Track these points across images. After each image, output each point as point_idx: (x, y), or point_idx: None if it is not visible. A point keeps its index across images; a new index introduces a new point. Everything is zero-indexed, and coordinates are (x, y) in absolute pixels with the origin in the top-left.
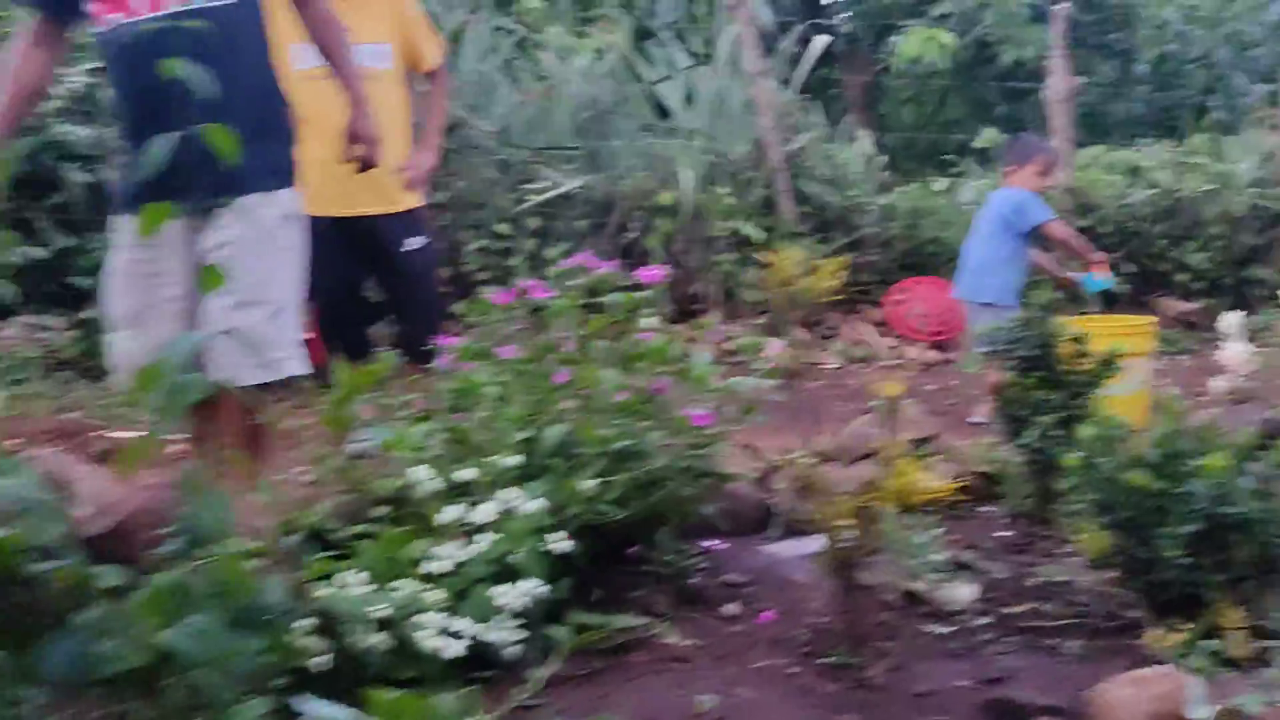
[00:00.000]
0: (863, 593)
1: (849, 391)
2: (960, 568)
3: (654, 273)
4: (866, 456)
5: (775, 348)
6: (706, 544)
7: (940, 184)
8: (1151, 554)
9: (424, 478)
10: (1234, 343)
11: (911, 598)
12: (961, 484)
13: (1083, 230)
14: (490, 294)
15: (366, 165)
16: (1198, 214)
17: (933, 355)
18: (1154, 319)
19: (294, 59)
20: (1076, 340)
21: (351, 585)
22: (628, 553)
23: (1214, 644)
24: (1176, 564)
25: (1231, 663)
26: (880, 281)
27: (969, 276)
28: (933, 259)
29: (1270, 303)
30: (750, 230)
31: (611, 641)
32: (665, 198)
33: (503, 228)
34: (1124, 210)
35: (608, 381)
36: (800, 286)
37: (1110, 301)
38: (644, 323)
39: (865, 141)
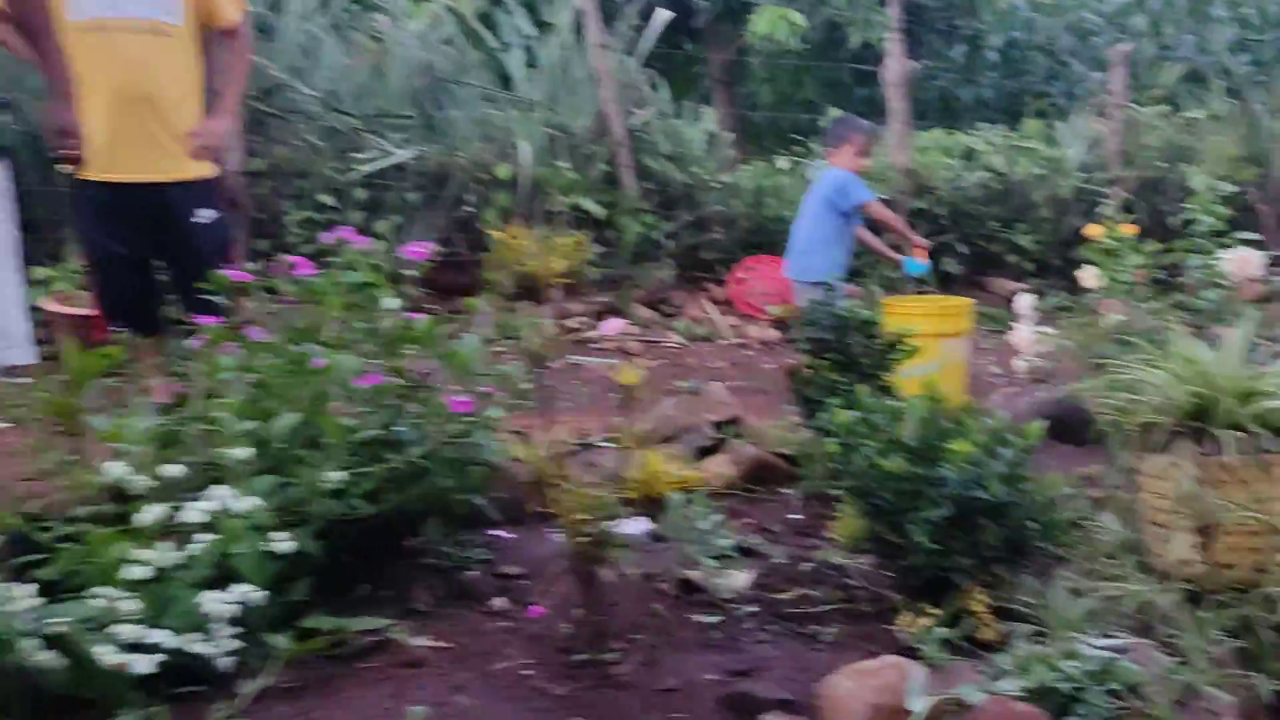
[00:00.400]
0: (604, 588)
1: (685, 370)
2: (745, 553)
3: (418, 250)
4: (671, 439)
5: (613, 327)
6: (492, 534)
7: (785, 163)
8: (904, 539)
9: (123, 474)
10: (1024, 324)
11: (687, 586)
12: (704, 475)
13: (918, 212)
14: (230, 270)
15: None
16: (1028, 197)
17: (774, 334)
18: (971, 300)
19: (68, 8)
20: (868, 323)
21: (19, 598)
22: (407, 546)
23: (964, 628)
24: (926, 549)
25: (985, 646)
26: (724, 260)
27: (796, 256)
28: (777, 238)
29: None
30: (591, 206)
31: (352, 645)
32: (503, 170)
33: (327, 199)
34: (959, 193)
35: (348, 366)
36: (532, 267)
37: (923, 283)
38: (389, 303)
39: (710, 118)
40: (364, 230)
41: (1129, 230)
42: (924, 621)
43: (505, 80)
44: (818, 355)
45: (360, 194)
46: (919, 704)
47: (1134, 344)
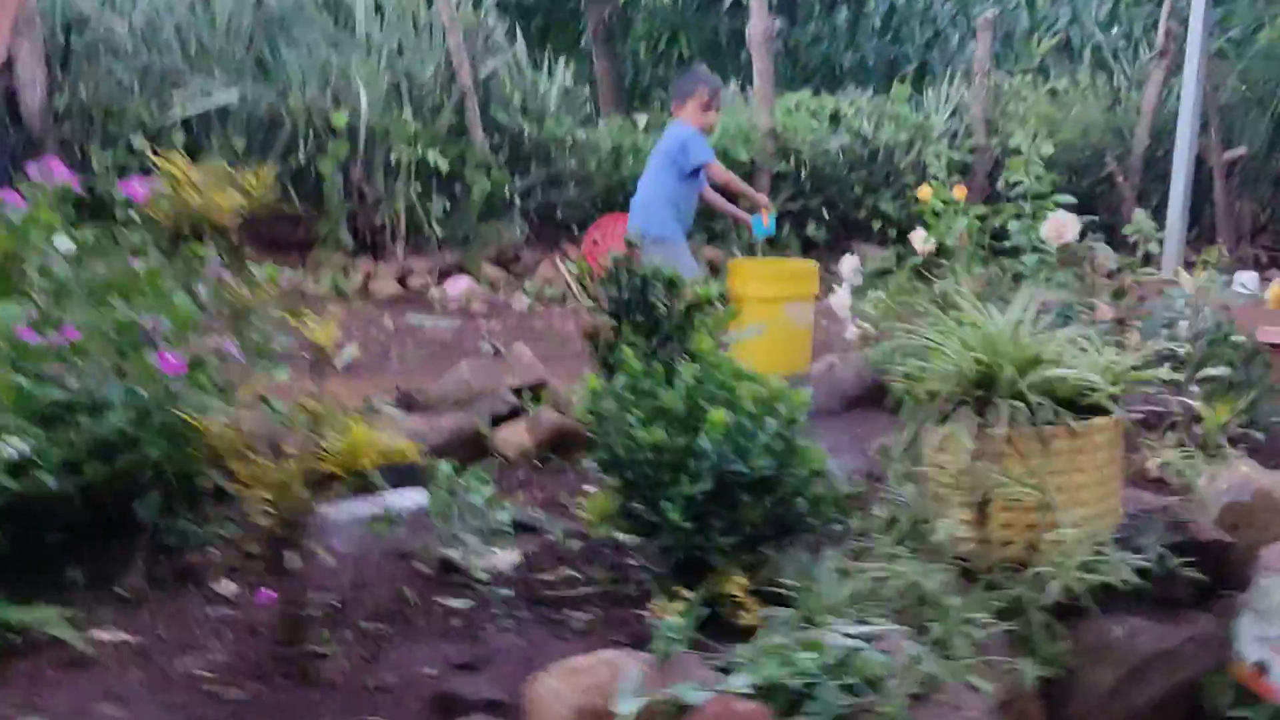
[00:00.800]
0: (299, 573)
1: (530, 333)
2: (524, 529)
3: (135, 188)
4: (465, 404)
5: (457, 287)
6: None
7: (644, 120)
8: (659, 516)
9: None
10: (844, 288)
11: (447, 566)
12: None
13: (781, 175)
14: None
15: None
16: (893, 162)
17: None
18: (817, 263)
19: None
20: (671, 282)
21: None
22: (133, 524)
23: (726, 613)
24: (678, 527)
25: (748, 632)
26: (580, 219)
27: (638, 212)
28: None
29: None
30: (436, 158)
31: (7, 641)
32: (339, 118)
33: (142, 143)
34: (823, 156)
35: (6, 315)
36: (202, 205)
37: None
38: (61, 244)
39: (565, 73)
40: None
41: (959, 193)
42: (676, 607)
43: (348, 23)
44: (618, 317)
45: (178, 138)
46: (628, 705)
47: (929, 310)
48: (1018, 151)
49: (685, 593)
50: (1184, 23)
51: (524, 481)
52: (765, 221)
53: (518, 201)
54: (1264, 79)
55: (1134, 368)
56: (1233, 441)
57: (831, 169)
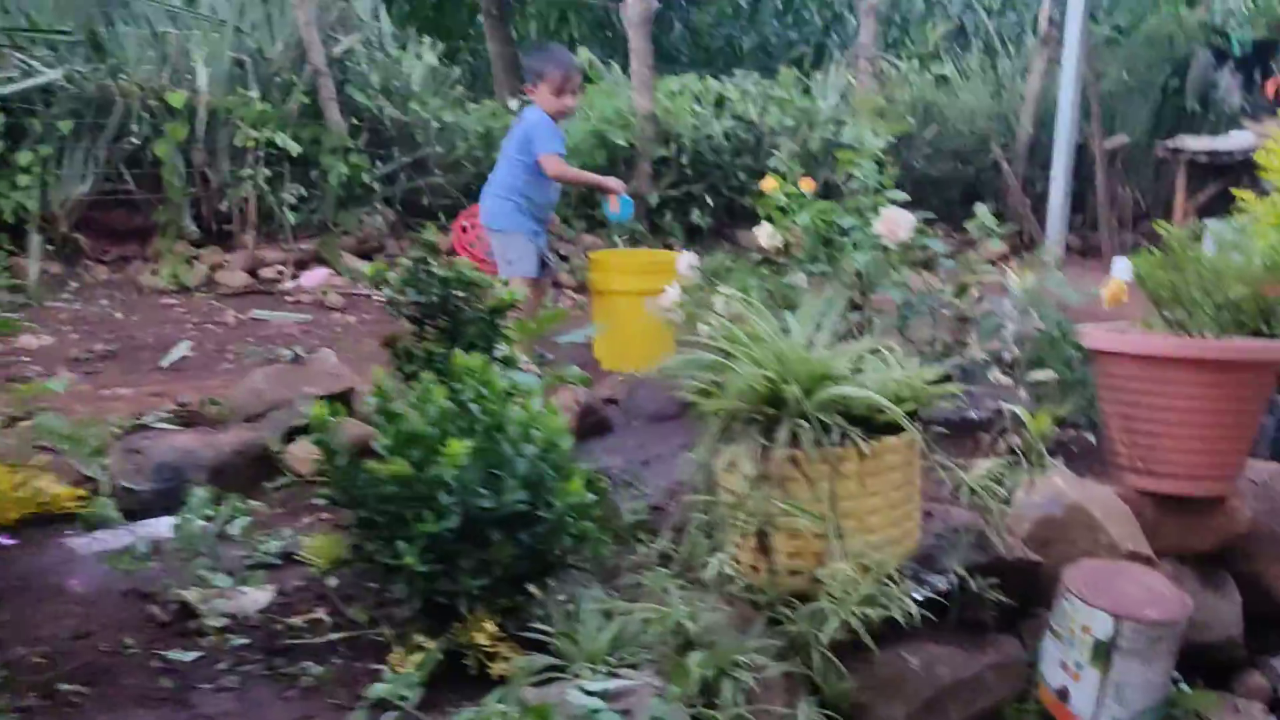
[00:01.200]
0: None
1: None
2: (294, 560)
3: None
4: (258, 417)
5: (314, 278)
6: None
7: (517, 104)
8: (396, 558)
9: None
10: (672, 287)
11: (187, 610)
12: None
13: (662, 160)
14: None
15: None
16: (777, 148)
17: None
18: (679, 253)
19: None
20: (472, 284)
21: None
22: None
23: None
24: (418, 571)
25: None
26: (448, 207)
27: (486, 201)
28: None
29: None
30: (287, 141)
31: None
32: (176, 98)
33: None
34: (707, 141)
35: None
36: None
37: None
38: None
39: (430, 53)
40: (3, 161)
41: (806, 185)
42: (416, 659)
43: None
44: (419, 321)
45: None
46: None
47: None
48: (910, 140)
49: (427, 643)
50: (1064, 9)
51: (311, 505)
52: (614, 206)
53: (378, 188)
54: (1146, 66)
55: (934, 381)
56: (1067, 447)
57: (715, 155)
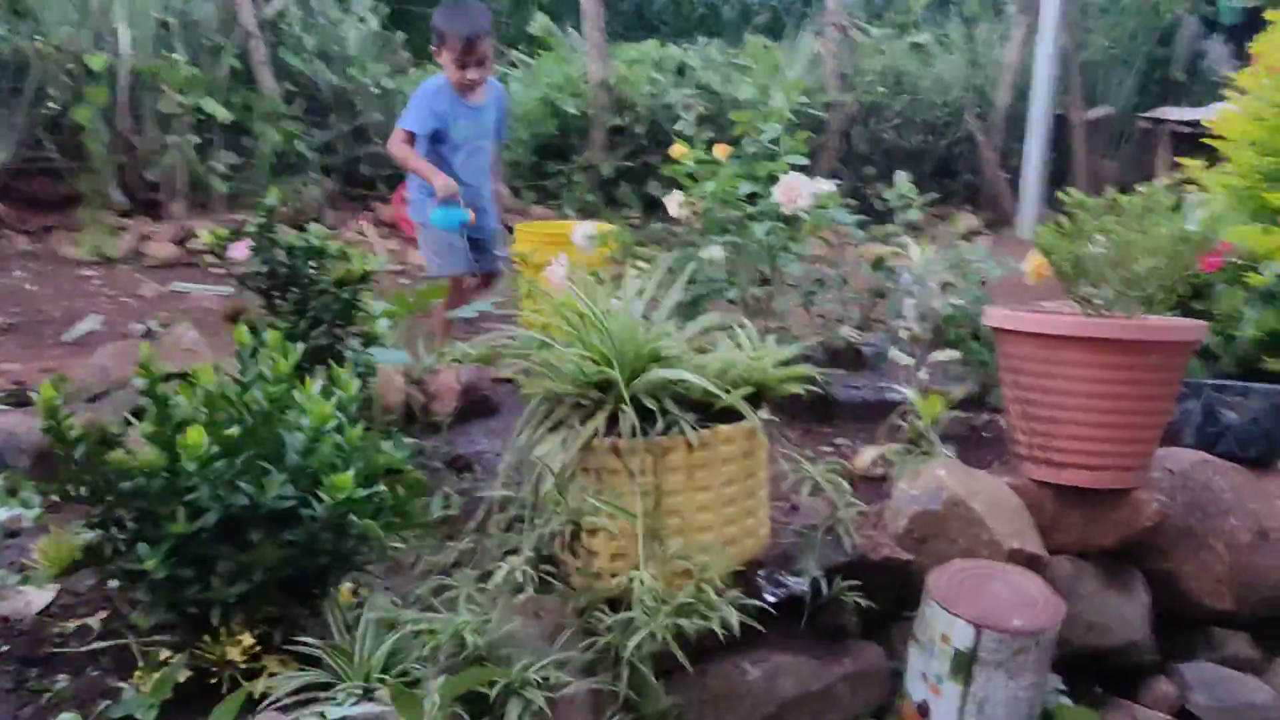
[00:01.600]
0: None
1: None
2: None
3: None
4: (101, 397)
5: (243, 250)
6: None
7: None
8: (138, 562)
9: None
10: (559, 261)
11: None
12: None
13: (616, 130)
14: None
15: None
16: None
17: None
18: (613, 226)
19: None
20: (319, 254)
21: None
22: None
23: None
24: (161, 578)
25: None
26: (388, 176)
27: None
28: None
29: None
30: (215, 108)
31: None
32: (96, 60)
33: None
34: (665, 111)
35: None
36: None
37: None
38: None
39: (374, 17)
40: None
41: (719, 151)
42: (156, 677)
43: None
44: (267, 295)
45: None
46: None
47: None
48: (880, 109)
49: (171, 658)
50: None
51: None
52: (449, 210)
53: (312, 156)
54: (1131, 35)
55: (785, 362)
56: (978, 433)
57: (673, 124)
